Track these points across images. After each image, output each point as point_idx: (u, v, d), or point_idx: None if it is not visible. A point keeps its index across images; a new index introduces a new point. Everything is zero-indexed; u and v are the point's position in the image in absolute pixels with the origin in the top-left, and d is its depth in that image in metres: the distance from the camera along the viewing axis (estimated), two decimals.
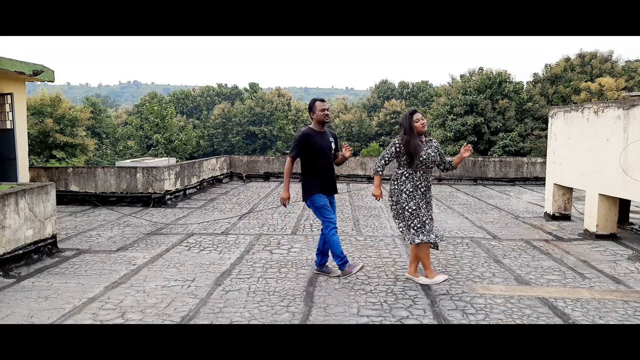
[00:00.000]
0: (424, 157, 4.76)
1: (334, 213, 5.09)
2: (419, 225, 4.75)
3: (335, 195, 5.30)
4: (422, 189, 4.85)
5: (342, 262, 4.97)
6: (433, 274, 4.89)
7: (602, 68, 33.64)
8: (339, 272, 5.03)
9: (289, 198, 5.01)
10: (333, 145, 5.11)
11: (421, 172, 4.83)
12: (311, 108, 5.06)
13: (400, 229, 4.89)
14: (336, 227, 5.00)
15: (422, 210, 4.80)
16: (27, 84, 10.00)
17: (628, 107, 6.43)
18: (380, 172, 4.86)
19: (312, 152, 4.96)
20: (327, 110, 4.98)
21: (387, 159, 4.85)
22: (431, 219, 4.89)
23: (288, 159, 4.99)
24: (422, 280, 4.87)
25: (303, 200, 5.13)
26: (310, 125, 5.10)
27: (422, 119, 4.80)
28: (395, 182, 4.88)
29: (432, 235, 4.77)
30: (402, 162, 4.84)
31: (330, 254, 5.10)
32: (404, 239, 4.95)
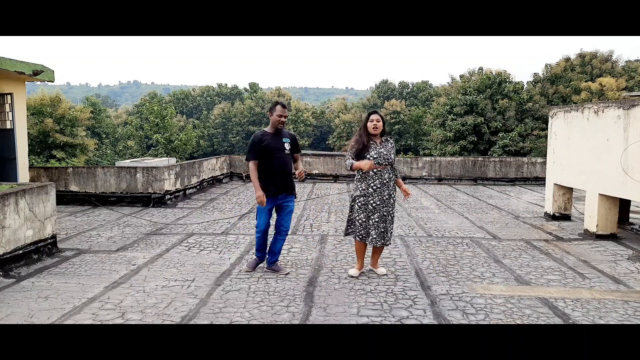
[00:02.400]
0: (375, 155, 4.91)
1: (286, 216, 5.24)
2: (363, 220, 5.01)
3: (336, 196, 5.32)
4: (374, 187, 4.97)
5: (258, 256, 5.34)
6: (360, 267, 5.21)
7: (603, 68, 33.66)
8: (287, 270, 5.27)
9: (264, 194, 5.03)
10: (287, 147, 5.14)
11: (374, 170, 4.95)
12: (271, 109, 5.16)
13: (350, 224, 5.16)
14: (260, 232, 5.22)
15: (370, 207, 4.98)
16: (27, 84, 10.00)
17: (628, 107, 6.43)
18: (353, 160, 5.00)
19: (266, 154, 5.04)
20: (284, 118, 5.09)
21: (351, 157, 5.03)
22: (382, 216, 4.98)
23: (250, 163, 5.08)
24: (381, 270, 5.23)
25: None
26: (264, 128, 5.22)
27: (377, 121, 4.94)
28: (355, 181, 5.15)
29: (362, 233, 5.04)
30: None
31: (277, 252, 5.31)
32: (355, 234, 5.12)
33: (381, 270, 5.25)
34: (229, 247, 6.35)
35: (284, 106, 5.13)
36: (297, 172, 5.20)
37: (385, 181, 4.96)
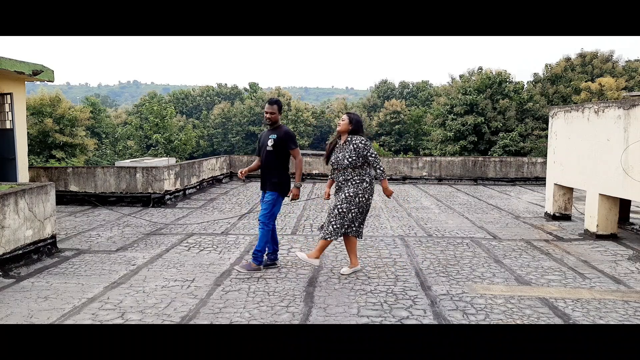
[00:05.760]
0: (332, 160, 5.09)
1: (261, 205, 5.34)
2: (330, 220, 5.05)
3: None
4: (337, 186, 5.16)
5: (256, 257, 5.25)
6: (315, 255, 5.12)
7: (603, 68, 33.66)
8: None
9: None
10: (270, 143, 5.21)
11: (337, 171, 5.10)
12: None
13: (347, 224, 5.00)
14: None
15: (332, 205, 5.15)
16: (27, 84, 10.00)
17: (628, 107, 6.43)
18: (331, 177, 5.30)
19: (259, 149, 5.44)
20: (268, 114, 5.27)
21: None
22: (336, 216, 5.06)
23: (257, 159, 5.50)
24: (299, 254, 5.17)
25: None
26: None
27: (342, 120, 5.09)
28: (369, 183, 5.03)
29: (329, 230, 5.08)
30: (363, 164, 5.01)
31: (274, 244, 5.49)
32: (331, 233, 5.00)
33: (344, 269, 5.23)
34: (228, 247, 6.34)
35: (270, 102, 5.32)
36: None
37: (340, 184, 5.08)
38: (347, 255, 5.37)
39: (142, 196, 9.94)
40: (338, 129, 5.12)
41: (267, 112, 5.27)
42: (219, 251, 6.15)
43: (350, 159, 4.92)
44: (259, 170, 5.42)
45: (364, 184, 4.97)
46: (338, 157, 5.02)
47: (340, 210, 4.96)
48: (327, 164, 5.25)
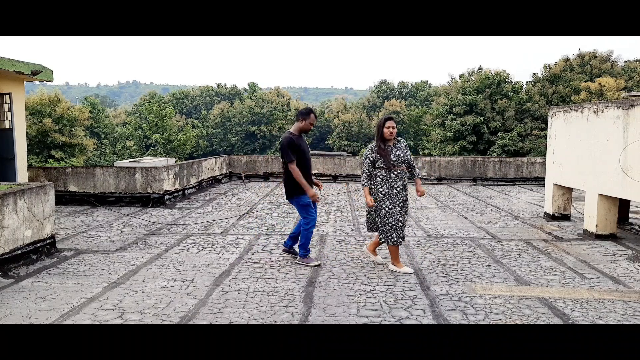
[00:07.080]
0: (394, 159, 5.17)
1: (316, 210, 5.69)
2: (393, 223, 5.18)
3: (335, 196, 5.46)
4: (397, 189, 5.20)
5: (305, 253, 5.57)
6: (400, 264, 5.35)
7: (602, 68, 33.66)
8: (299, 257, 5.64)
9: (315, 192, 5.48)
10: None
11: (395, 172, 5.20)
12: (304, 115, 5.49)
13: (379, 226, 5.31)
14: (315, 225, 5.56)
15: (397, 208, 5.20)
16: (26, 84, 9.98)
17: (628, 107, 6.43)
18: (366, 184, 5.28)
19: (300, 155, 5.42)
20: (313, 125, 5.59)
21: (367, 171, 5.27)
22: (404, 215, 5.30)
23: (293, 165, 5.34)
24: (390, 267, 5.37)
25: (288, 198, 5.56)
26: (291, 130, 5.53)
27: (392, 127, 5.20)
28: (374, 184, 5.27)
29: (395, 235, 5.23)
30: (377, 166, 5.24)
31: (299, 241, 5.70)
32: (381, 236, 5.32)
33: (379, 258, 5.62)
34: (228, 248, 6.34)
35: (316, 116, 5.63)
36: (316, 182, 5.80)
37: (405, 183, 5.27)
38: (370, 251, 5.66)
39: (141, 196, 9.93)
40: (391, 135, 5.20)
41: (314, 125, 5.58)
42: (218, 251, 6.15)
43: (409, 155, 5.32)
44: (304, 173, 5.45)
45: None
46: (399, 155, 5.20)
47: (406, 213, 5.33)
48: (387, 166, 5.18)
